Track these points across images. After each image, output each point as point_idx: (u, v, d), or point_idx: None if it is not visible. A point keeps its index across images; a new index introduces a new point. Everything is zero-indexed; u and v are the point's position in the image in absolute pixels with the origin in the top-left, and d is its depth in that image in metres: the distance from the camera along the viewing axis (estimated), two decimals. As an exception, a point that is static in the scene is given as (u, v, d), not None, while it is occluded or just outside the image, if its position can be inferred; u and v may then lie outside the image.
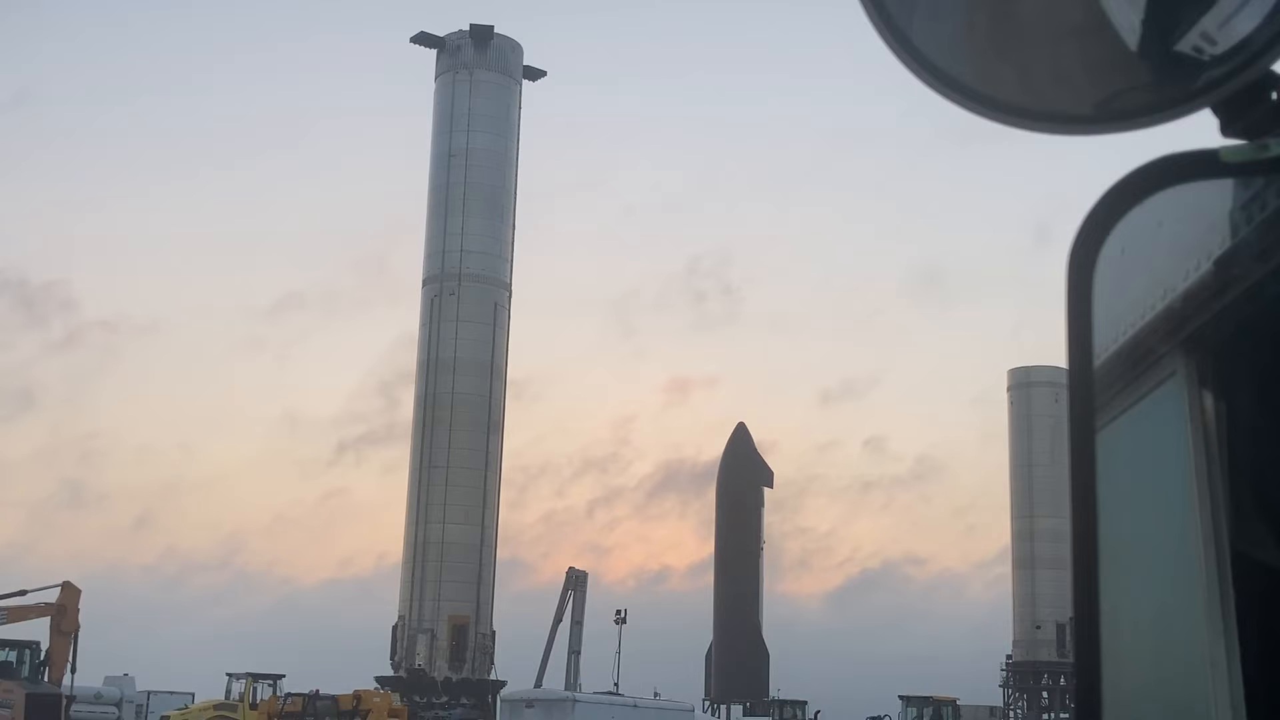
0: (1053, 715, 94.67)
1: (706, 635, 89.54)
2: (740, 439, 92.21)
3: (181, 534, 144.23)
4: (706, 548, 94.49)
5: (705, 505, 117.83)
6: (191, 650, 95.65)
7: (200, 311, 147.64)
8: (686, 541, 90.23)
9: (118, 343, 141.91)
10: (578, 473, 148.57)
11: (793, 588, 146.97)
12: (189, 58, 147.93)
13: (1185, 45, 1.92)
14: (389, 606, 72.70)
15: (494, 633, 71.50)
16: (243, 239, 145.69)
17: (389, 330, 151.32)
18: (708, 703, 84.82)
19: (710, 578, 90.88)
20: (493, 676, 70.28)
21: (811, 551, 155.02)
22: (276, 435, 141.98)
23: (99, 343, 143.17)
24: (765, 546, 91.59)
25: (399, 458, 79.50)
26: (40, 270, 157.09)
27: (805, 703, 74.87)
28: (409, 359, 76.56)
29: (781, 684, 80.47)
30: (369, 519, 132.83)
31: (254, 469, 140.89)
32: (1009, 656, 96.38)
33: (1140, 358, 2.02)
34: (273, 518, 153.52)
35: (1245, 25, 1.86)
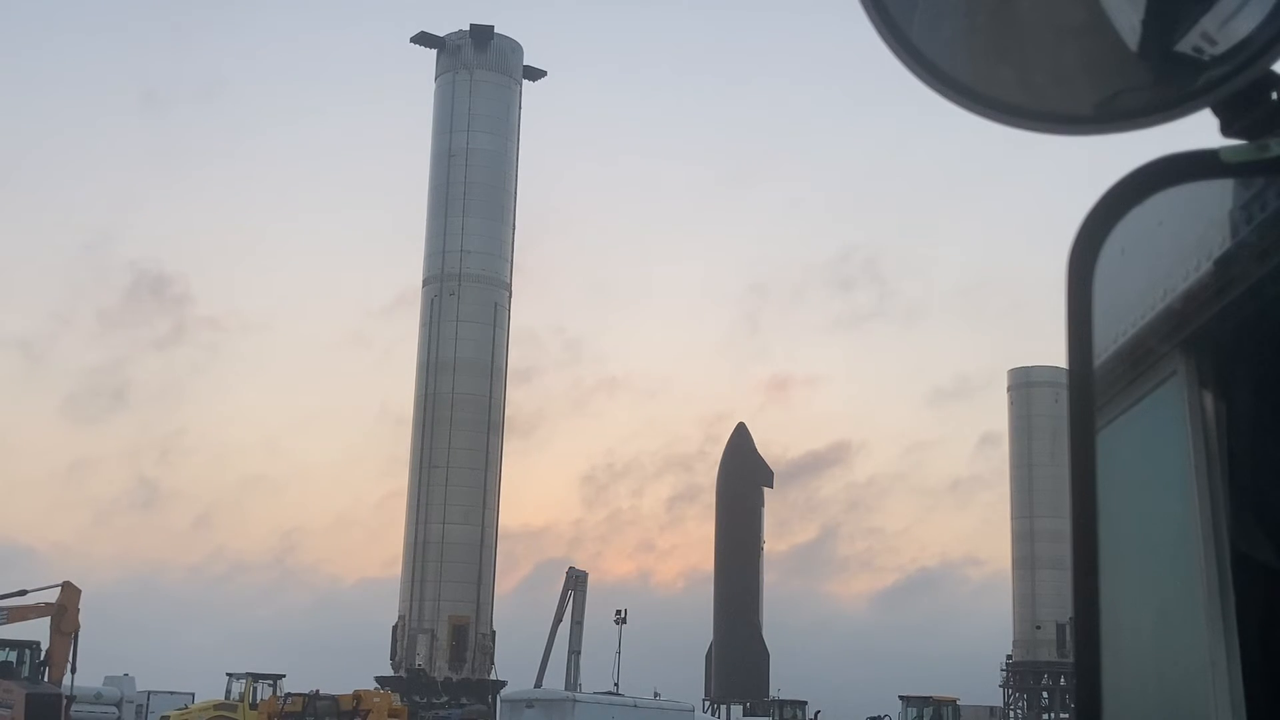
0: (1053, 715, 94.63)
1: (707, 635, 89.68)
2: (740, 439, 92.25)
3: (238, 534, 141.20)
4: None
5: (781, 504, 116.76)
6: (204, 650, 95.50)
7: (311, 310, 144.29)
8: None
9: (221, 340, 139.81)
10: (659, 471, 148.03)
11: (841, 588, 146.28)
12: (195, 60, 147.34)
13: (1185, 45, 1.91)
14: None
15: (494, 633, 71.54)
16: (368, 236, 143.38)
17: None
18: (708, 703, 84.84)
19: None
20: (493, 676, 70.32)
21: (876, 551, 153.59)
22: (367, 434, 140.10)
23: (204, 340, 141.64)
24: (766, 546, 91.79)
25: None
26: (168, 264, 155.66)
27: (805, 703, 74.82)
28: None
29: (788, 684, 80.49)
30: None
31: (333, 468, 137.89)
32: (1009, 656, 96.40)
33: (1140, 358, 2.02)
34: (334, 517, 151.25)
35: (1245, 25, 1.86)
